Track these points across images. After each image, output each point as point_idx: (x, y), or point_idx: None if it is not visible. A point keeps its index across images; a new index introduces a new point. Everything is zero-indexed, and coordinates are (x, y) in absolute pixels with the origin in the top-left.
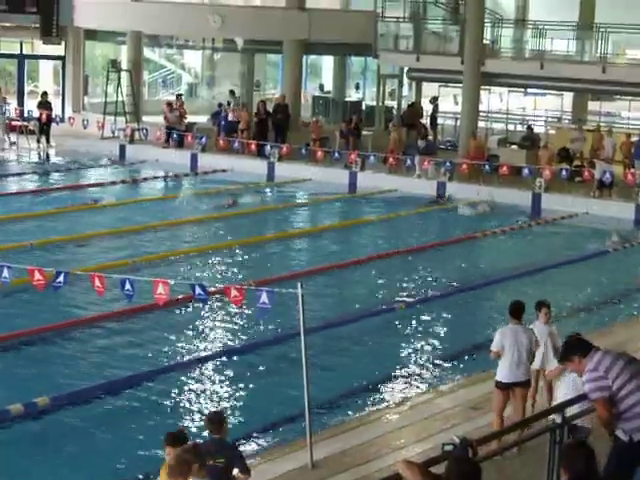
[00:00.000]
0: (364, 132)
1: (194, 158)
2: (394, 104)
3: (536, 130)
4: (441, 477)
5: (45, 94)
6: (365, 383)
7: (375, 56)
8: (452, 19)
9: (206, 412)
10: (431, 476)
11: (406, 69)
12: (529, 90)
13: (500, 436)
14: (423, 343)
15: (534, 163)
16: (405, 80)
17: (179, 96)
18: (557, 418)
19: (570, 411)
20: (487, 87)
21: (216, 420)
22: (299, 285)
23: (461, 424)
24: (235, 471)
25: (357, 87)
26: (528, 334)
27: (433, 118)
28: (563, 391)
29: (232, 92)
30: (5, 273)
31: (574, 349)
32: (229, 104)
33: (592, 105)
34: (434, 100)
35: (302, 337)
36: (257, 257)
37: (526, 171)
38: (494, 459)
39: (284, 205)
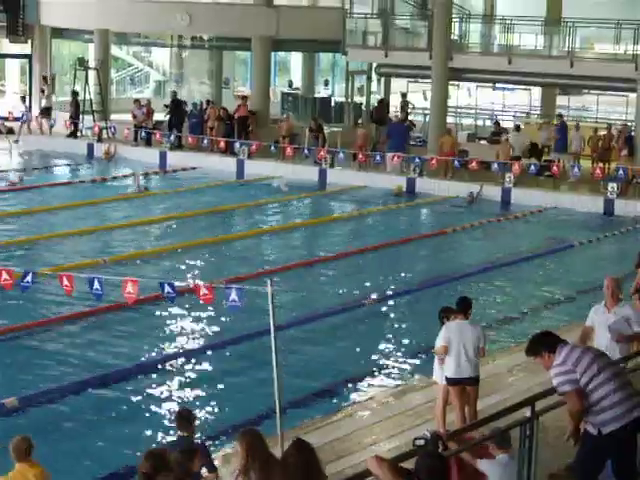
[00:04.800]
0: (334, 128)
1: (163, 156)
2: (363, 100)
3: (504, 125)
4: (411, 472)
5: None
6: (336, 380)
7: (344, 52)
8: (420, 15)
9: (176, 410)
10: (401, 471)
11: (375, 65)
12: (497, 85)
13: (471, 430)
14: (393, 339)
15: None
16: (374, 76)
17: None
18: (527, 412)
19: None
20: (456, 82)
21: (185, 418)
22: (269, 282)
23: (433, 419)
24: (203, 470)
25: (326, 83)
26: (475, 330)
27: (405, 115)
28: None
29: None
30: None
31: (542, 344)
32: (208, 103)
33: (561, 100)
34: (404, 97)
35: (272, 334)
36: (227, 255)
37: (495, 166)
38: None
39: (254, 203)
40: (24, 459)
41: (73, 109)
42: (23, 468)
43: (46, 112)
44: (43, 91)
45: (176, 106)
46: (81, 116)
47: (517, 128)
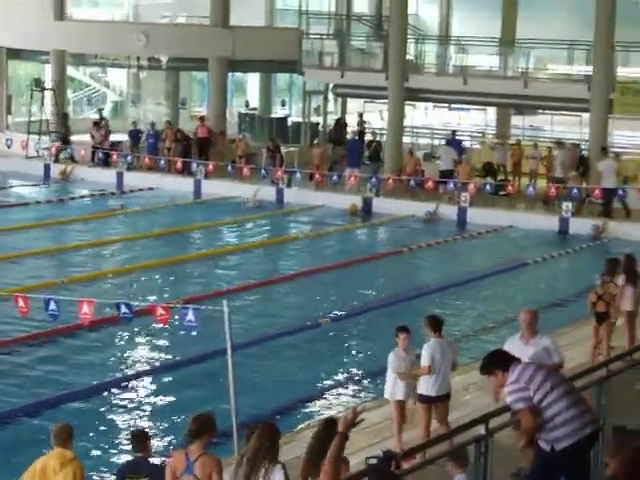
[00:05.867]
0: (291, 148)
1: (120, 176)
2: (320, 120)
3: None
4: None
5: None
6: (293, 399)
7: (300, 73)
8: (376, 36)
9: (132, 430)
10: None
11: (331, 85)
12: (453, 105)
13: (426, 448)
14: (350, 357)
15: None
16: (331, 96)
17: (101, 118)
18: (481, 429)
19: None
20: (412, 102)
21: (140, 438)
22: (225, 303)
23: (389, 438)
24: None
25: (283, 103)
26: (452, 347)
27: (361, 134)
28: None
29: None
30: None
31: (496, 362)
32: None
33: (516, 120)
34: (360, 117)
35: (229, 354)
36: (184, 275)
37: (451, 185)
38: (419, 472)
39: (212, 223)
40: (62, 445)
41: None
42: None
43: None
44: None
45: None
46: (39, 137)
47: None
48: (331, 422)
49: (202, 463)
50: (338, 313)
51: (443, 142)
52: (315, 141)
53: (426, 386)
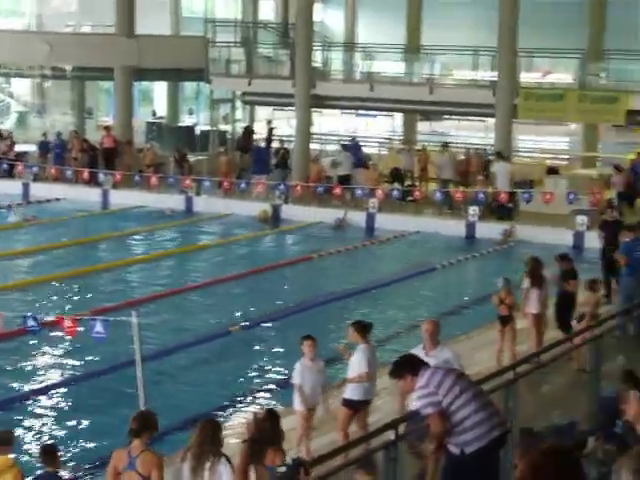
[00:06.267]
0: (199, 157)
1: (26, 187)
2: (228, 128)
3: (368, 151)
4: None
5: None
6: (204, 408)
7: (207, 81)
8: (282, 43)
9: (41, 445)
10: None
11: (239, 93)
12: (360, 112)
13: (336, 455)
14: (261, 365)
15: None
16: (238, 104)
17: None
18: (391, 435)
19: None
20: (319, 109)
21: (49, 452)
22: (134, 313)
23: (301, 445)
24: None
25: (190, 112)
26: (375, 352)
27: (269, 141)
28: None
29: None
30: None
31: (406, 367)
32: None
33: (422, 125)
34: (269, 124)
35: (138, 365)
36: (93, 286)
37: (360, 192)
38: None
39: (121, 233)
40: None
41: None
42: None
43: None
44: None
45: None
46: None
47: (445, 145)
48: (271, 414)
49: (143, 459)
50: (249, 321)
51: (339, 147)
52: (222, 149)
53: (356, 391)
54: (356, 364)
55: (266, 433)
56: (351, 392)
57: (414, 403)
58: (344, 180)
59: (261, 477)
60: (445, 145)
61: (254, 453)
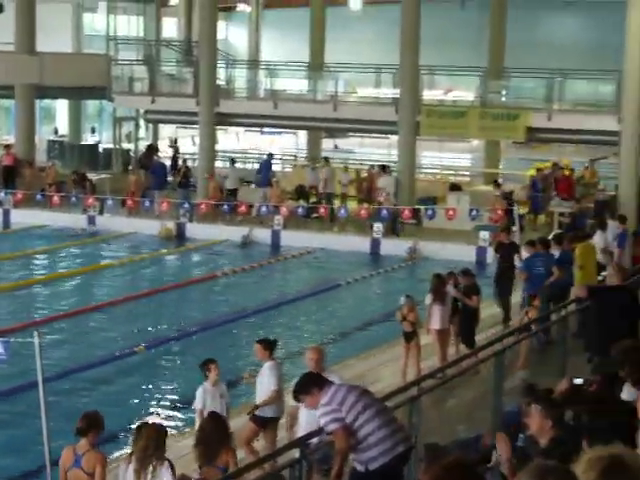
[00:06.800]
0: (102, 175)
1: None
2: (131, 146)
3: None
4: None
5: None
6: (109, 430)
7: (110, 99)
8: (185, 61)
9: None
10: None
11: (142, 111)
12: (265, 129)
13: (242, 474)
14: (166, 385)
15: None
16: (142, 122)
17: None
18: (296, 453)
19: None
20: (223, 127)
21: None
22: (36, 334)
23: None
24: None
25: (93, 130)
26: (281, 370)
27: (174, 160)
28: (305, 427)
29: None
30: None
31: (311, 384)
32: None
33: (327, 143)
34: (174, 143)
35: (40, 386)
36: None
37: (264, 209)
38: None
39: (22, 253)
40: None
41: None
42: None
43: None
44: None
45: None
46: None
47: (383, 168)
48: (216, 416)
49: (88, 458)
50: (153, 341)
51: (228, 163)
52: (130, 167)
53: (267, 408)
54: (266, 382)
55: (212, 434)
56: (261, 409)
57: (318, 420)
58: (232, 194)
59: (211, 477)
60: (384, 167)
61: (204, 455)
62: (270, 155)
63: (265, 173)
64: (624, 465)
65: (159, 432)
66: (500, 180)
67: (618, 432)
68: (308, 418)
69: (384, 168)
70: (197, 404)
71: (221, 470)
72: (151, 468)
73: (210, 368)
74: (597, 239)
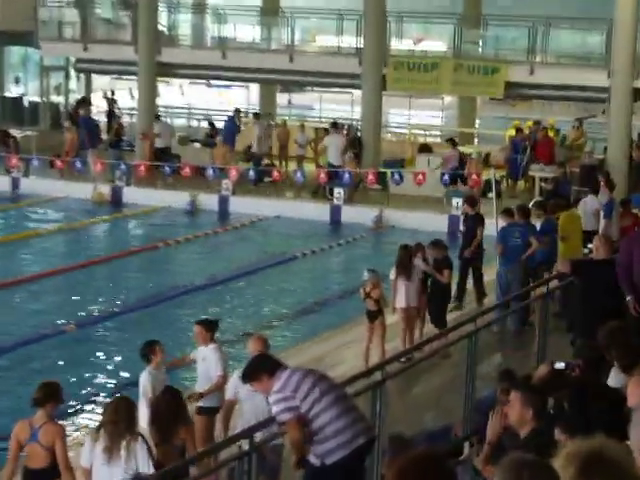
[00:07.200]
0: (28, 132)
1: None
2: (61, 99)
3: (220, 126)
4: None
5: None
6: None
7: (37, 46)
8: (123, 4)
9: None
10: None
11: (73, 60)
12: (212, 82)
13: (192, 464)
14: (97, 369)
15: None
16: (73, 72)
17: None
18: (245, 445)
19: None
20: (165, 79)
21: None
22: None
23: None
24: None
25: (17, 81)
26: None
27: (110, 115)
28: (248, 417)
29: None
30: None
31: (261, 368)
32: None
33: (281, 97)
34: (112, 94)
35: None
36: None
37: (210, 172)
38: None
39: None
40: None
41: None
42: None
43: None
44: None
45: None
46: None
47: (334, 125)
48: (172, 391)
49: (46, 430)
50: (86, 318)
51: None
52: (66, 124)
53: (216, 397)
54: (213, 367)
55: (167, 411)
56: (209, 399)
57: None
58: (162, 153)
59: (167, 456)
60: (335, 125)
61: (159, 432)
62: (237, 111)
63: (229, 132)
64: (603, 459)
65: (129, 405)
66: (456, 138)
67: (602, 422)
68: (251, 407)
69: (335, 125)
70: (147, 392)
71: (177, 450)
72: (124, 444)
73: (155, 351)
74: (589, 203)
